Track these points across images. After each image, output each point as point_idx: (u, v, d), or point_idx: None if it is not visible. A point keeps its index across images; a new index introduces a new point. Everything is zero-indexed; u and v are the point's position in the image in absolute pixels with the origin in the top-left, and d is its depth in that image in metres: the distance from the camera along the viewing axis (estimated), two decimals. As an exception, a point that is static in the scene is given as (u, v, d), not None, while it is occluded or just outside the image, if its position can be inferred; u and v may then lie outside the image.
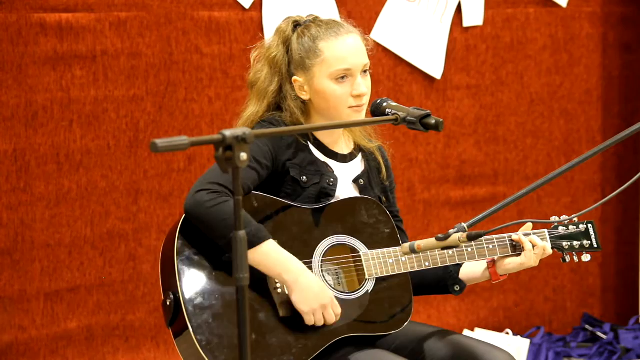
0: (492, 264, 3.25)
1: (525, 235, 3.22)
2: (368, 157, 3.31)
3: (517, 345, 5.02)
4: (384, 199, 3.29)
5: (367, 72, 3.18)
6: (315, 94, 3.16)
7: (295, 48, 3.17)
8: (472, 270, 3.29)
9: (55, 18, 4.12)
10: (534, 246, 3.19)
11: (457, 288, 3.29)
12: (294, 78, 3.17)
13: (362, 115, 3.16)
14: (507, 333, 5.20)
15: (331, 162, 3.21)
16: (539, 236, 3.23)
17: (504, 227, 3.00)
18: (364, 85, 3.15)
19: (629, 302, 5.65)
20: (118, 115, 4.29)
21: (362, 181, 3.24)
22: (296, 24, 3.21)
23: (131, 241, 4.36)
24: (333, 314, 3.00)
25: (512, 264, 3.22)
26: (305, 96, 3.18)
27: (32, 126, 4.13)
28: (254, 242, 2.91)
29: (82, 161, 4.23)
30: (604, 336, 5.37)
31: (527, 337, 5.20)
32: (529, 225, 3.26)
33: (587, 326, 5.49)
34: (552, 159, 5.41)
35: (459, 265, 3.29)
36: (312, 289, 2.97)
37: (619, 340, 5.31)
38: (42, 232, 4.17)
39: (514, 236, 3.22)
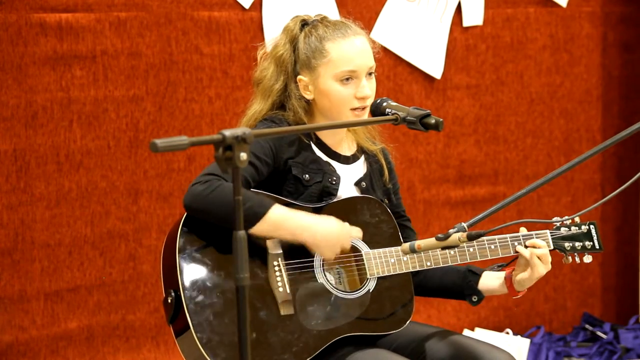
0: (510, 279, 3.23)
1: (524, 237, 3.20)
2: (370, 159, 3.31)
3: (518, 345, 5.02)
4: (386, 201, 3.29)
5: (372, 75, 3.17)
6: (319, 94, 3.16)
7: (302, 47, 3.17)
8: (491, 282, 3.26)
9: (55, 18, 4.12)
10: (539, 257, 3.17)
11: (474, 299, 3.27)
12: (299, 77, 3.17)
13: (363, 118, 3.16)
14: (507, 333, 5.20)
15: (334, 163, 3.21)
16: (540, 237, 3.21)
17: (504, 227, 3.00)
18: (368, 87, 3.14)
19: (629, 302, 5.65)
20: (118, 115, 4.29)
21: (364, 184, 3.24)
22: (304, 23, 3.21)
23: (131, 241, 4.36)
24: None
25: (523, 278, 3.19)
26: (309, 96, 3.18)
27: (32, 126, 4.13)
28: (260, 212, 2.92)
29: (82, 161, 4.23)
30: (604, 336, 5.37)
31: (527, 337, 5.20)
32: (523, 229, 3.24)
33: (587, 326, 5.49)
34: (552, 159, 5.42)
35: (478, 276, 3.27)
36: (329, 238, 3.01)
37: (619, 340, 5.31)
38: (42, 232, 4.18)
39: (518, 248, 3.19)
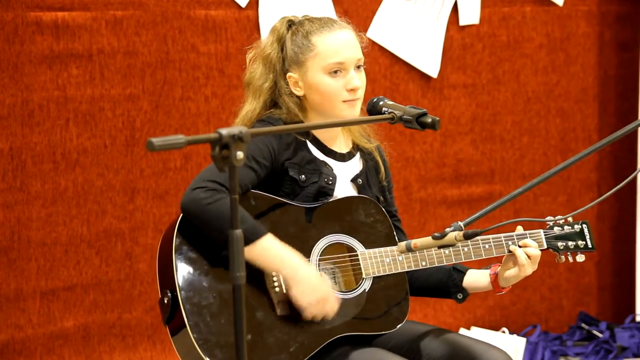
0: (495, 275, 3.23)
1: (518, 236, 3.20)
2: (366, 156, 3.31)
3: (514, 344, 5.02)
4: (381, 198, 3.29)
5: (361, 68, 3.18)
6: (309, 89, 3.16)
7: (289, 45, 3.18)
8: (476, 279, 3.27)
9: (51, 17, 4.12)
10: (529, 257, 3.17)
11: (460, 296, 3.28)
12: (288, 74, 3.18)
13: (356, 110, 3.16)
14: (504, 332, 5.20)
15: (330, 161, 3.21)
16: (534, 237, 3.22)
17: (500, 226, 2.99)
18: (357, 78, 3.14)
19: (625, 301, 5.65)
20: (114, 114, 4.29)
21: (360, 180, 3.24)
22: (290, 23, 3.22)
23: (127, 240, 4.36)
24: (331, 308, 3.00)
25: (509, 275, 3.20)
26: (299, 92, 3.18)
27: (29, 125, 4.13)
28: (251, 238, 2.90)
29: (78, 160, 4.23)
30: (600, 335, 5.37)
31: (523, 336, 5.21)
32: (519, 227, 3.24)
33: (583, 325, 5.49)
34: (549, 158, 5.42)
35: (463, 273, 3.28)
36: (310, 283, 2.96)
37: (615, 339, 5.31)
38: (39, 231, 4.17)
39: (511, 247, 3.19)
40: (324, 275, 3.07)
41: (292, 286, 2.97)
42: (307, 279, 2.97)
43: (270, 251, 2.95)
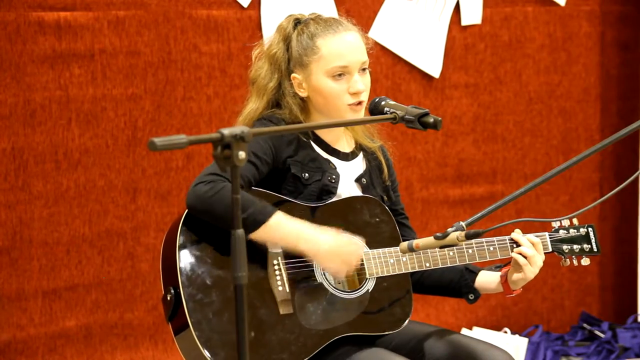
0: (505, 277, 3.23)
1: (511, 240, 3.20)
2: (369, 156, 3.31)
3: (515, 344, 5.02)
4: (385, 198, 3.29)
5: (366, 70, 3.17)
6: (313, 91, 3.15)
7: (295, 45, 3.17)
8: (487, 280, 3.27)
9: (53, 16, 4.12)
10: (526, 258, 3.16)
11: (471, 297, 3.28)
12: (292, 75, 3.17)
13: (360, 114, 3.16)
14: (505, 332, 5.20)
15: (333, 160, 3.21)
16: (539, 239, 3.20)
17: (502, 226, 2.99)
18: (362, 82, 3.14)
19: (627, 301, 5.65)
20: (116, 113, 4.29)
21: (364, 180, 3.24)
22: (297, 22, 3.21)
23: (129, 240, 4.36)
24: (358, 258, 3.05)
25: (516, 278, 3.19)
26: (303, 93, 3.17)
27: (31, 124, 4.13)
28: (261, 218, 2.90)
29: (80, 160, 4.23)
30: (602, 335, 5.37)
31: (525, 336, 5.20)
32: (517, 230, 3.23)
33: (585, 325, 5.49)
34: (551, 158, 5.42)
35: (475, 274, 3.27)
36: (329, 251, 2.97)
37: (617, 339, 5.31)
38: (40, 231, 4.17)
39: (512, 254, 3.19)
40: (327, 277, 3.07)
41: (316, 261, 3.00)
42: (325, 249, 2.97)
43: (283, 228, 2.94)
